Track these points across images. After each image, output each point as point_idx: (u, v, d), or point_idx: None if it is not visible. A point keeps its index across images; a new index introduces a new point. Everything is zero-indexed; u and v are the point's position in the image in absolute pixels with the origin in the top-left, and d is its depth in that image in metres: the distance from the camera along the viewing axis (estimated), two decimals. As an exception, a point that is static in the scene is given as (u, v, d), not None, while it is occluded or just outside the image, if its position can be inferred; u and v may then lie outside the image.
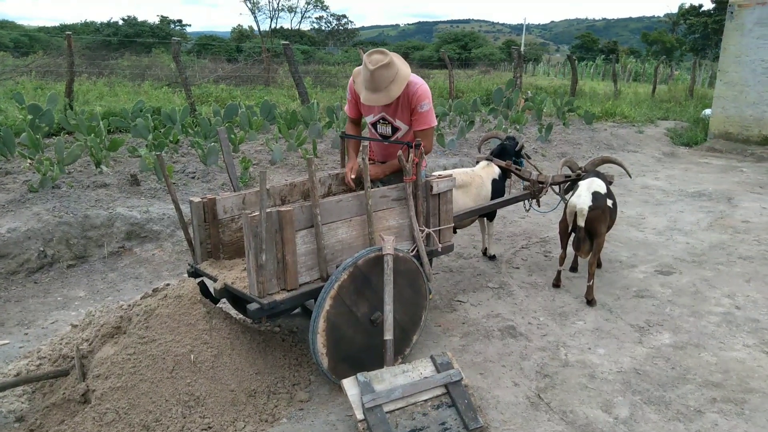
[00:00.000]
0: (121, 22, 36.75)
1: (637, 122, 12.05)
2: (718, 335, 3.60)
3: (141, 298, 2.95)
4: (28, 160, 5.70)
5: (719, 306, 4.02)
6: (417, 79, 3.32)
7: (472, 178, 4.37)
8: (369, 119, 3.50)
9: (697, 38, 43.23)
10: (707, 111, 12.50)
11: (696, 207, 6.71)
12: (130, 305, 2.91)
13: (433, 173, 3.82)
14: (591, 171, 4.53)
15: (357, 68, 3.32)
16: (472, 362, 3.25)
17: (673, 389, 3.01)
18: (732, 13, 10.52)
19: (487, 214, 4.63)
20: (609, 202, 4.08)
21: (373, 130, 3.55)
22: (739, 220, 6.16)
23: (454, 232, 4.15)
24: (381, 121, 3.43)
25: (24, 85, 11.56)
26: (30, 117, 6.60)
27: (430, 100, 3.29)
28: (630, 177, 5.22)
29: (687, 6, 45.80)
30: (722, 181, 8.14)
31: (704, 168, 9.20)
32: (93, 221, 4.68)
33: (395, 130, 3.42)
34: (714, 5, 40.43)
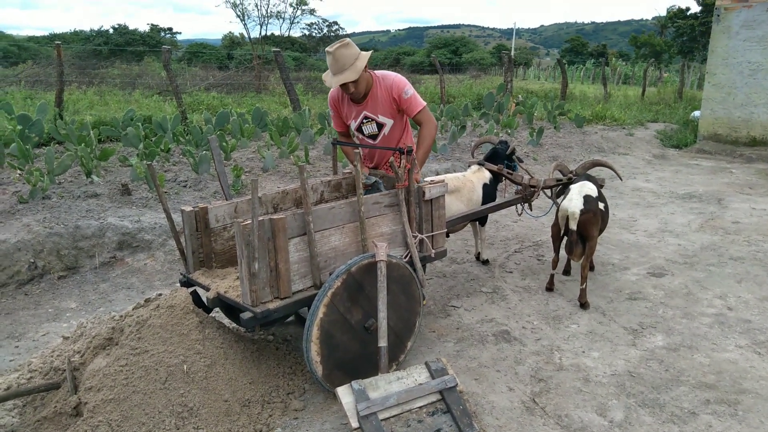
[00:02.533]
0: (111, 31, 36.63)
1: (627, 125, 12.14)
2: (710, 336, 3.62)
3: (133, 309, 2.93)
4: (18, 171, 5.66)
5: (711, 307, 4.05)
6: (388, 73, 3.45)
7: (464, 183, 4.38)
8: (353, 125, 3.54)
9: (685, 41, 43.60)
10: (696, 113, 12.61)
11: (687, 208, 6.75)
12: (122, 316, 2.88)
13: (425, 179, 3.83)
14: (582, 174, 4.55)
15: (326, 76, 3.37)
16: (467, 368, 3.25)
17: (667, 391, 3.02)
18: (719, 15, 10.64)
19: (479, 218, 4.65)
20: (601, 205, 4.10)
21: (360, 136, 3.58)
22: (729, 221, 6.20)
23: (447, 236, 4.16)
24: (364, 120, 3.47)
25: (13, 95, 11.49)
26: (19, 127, 6.56)
27: (409, 85, 3.40)
28: (621, 180, 5.26)
29: (675, 9, 46.22)
30: (712, 183, 8.21)
31: (694, 170, 9.27)
32: (84, 232, 4.64)
33: (380, 126, 3.47)
34: (700, 8, 40.85)
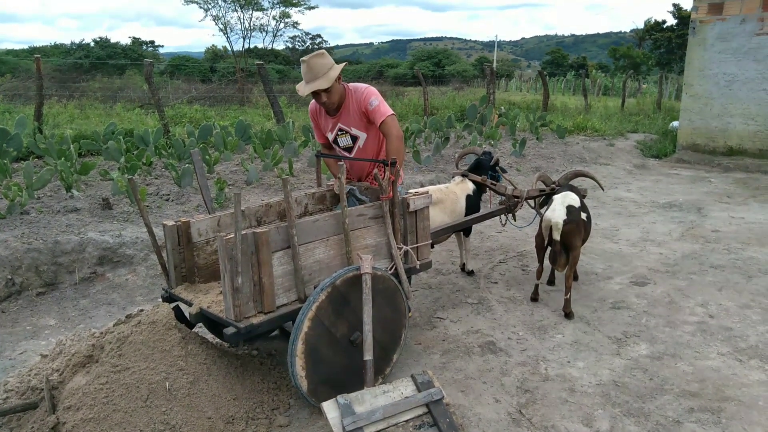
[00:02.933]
0: (92, 44, 36.33)
1: (608, 135, 12.32)
2: (693, 344, 3.65)
3: (114, 325, 2.87)
4: (-4, 186, 5.56)
5: (693, 315, 4.09)
6: (359, 85, 3.46)
7: (447, 195, 4.40)
8: (330, 138, 3.57)
9: (662, 53, 44.53)
10: (675, 123, 12.84)
11: (668, 218, 6.85)
12: (102, 333, 2.82)
13: (409, 190, 3.84)
14: (564, 185, 4.59)
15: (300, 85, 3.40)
16: (453, 380, 3.23)
17: (652, 400, 3.04)
18: (694, 28, 10.89)
19: (464, 229, 4.66)
20: (583, 216, 4.14)
21: (337, 149, 3.59)
22: (709, 229, 6.30)
23: (432, 247, 4.16)
24: (339, 133, 3.49)
25: (-9, 109, 11.33)
26: (-3, 141, 6.46)
27: (376, 95, 3.38)
28: (603, 190, 5.32)
29: (652, 22, 47.21)
30: (692, 192, 8.34)
31: (674, 179, 9.42)
32: (63, 247, 4.56)
33: (354, 138, 3.49)
34: (677, 21, 41.84)
